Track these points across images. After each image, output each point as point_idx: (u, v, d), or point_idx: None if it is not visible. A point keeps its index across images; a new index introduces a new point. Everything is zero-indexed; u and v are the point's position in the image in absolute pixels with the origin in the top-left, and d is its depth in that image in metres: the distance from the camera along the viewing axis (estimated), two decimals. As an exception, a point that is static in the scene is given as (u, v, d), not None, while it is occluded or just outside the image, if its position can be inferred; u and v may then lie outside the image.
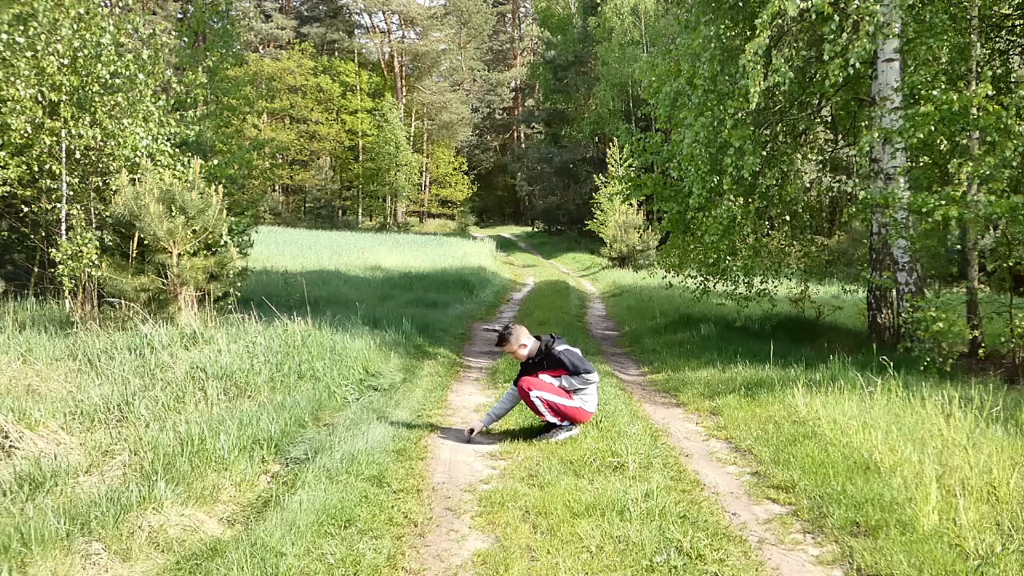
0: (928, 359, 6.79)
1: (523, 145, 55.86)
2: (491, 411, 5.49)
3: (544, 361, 5.28)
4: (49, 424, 4.66)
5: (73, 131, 8.16)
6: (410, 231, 45.93)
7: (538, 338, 5.40)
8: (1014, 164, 6.57)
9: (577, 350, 5.38)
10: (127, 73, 8.32)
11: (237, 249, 9.27)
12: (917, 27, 7.86)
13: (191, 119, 9.38)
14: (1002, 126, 6.54)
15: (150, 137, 8.57)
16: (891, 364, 6.41)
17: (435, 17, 53.69)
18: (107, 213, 8.26)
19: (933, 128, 7.06)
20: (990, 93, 6.68)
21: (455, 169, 53.82)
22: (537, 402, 5.13)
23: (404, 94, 52.86)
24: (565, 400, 5.16)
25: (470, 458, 4.90)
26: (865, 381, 5.91)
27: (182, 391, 5.51)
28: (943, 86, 7.94)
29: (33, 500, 3.69)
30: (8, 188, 8.12)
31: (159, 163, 8.58)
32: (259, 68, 44.88)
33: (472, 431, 5.29)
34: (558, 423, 5.19)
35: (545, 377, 5.23)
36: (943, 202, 6.60)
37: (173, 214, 7.59)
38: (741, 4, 9.12)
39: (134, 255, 7.72)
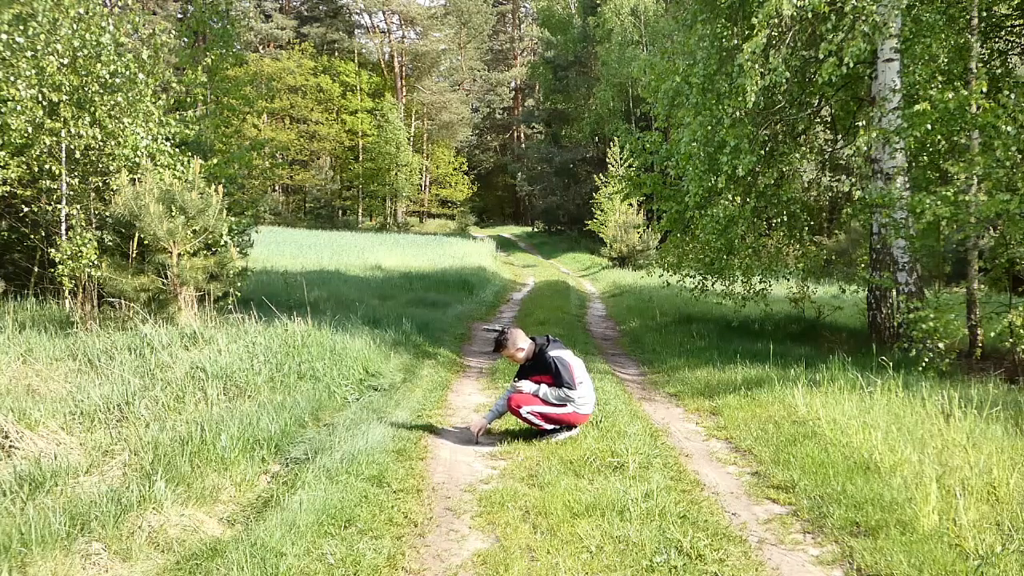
0: (927, 358, 6.79)
1: (523, 145, 55.81)
2: (493, 408, 5.47)
3: (537, 363, 5.25)
4: (49, 424, 4.66)
5: (73, 131, 8.16)
6: (410, 231, 45.91)
7: (534, 340, 5.38)
8: (1007, 164, 6.56)
9: (569, 360, 5.23)
10: (127, 73, 8.32)
11: (237, 249, 9.27)
12: (914, 27, 7.86)
13: (191, 119, 9.37)
14: (997, 125, 6.55)
15: (150, 137, 8.56)
16: (891, 364, 6.42)
17: (435, 17, 53.68)
18: (107, 213, 8.26)
19: (930, 127, 7.07)
20: (984, 90, 6.68)
21: (455, 169, 53.79)
22: (530, 417, 5.12)
23: (404, 94, 52.84)
24: (556, 409, 5.11)
25: (470, 458, 4.90)
26: (865, 381, 5.91)
27: (182, 391, 5.51)
28: (940, 85, 7.94)
29: (33, 500, 3.69)
30: (8, 188, 8.12)
31: (159, 163, 8.57)
32: (259, 68, 44.82)
33: (479, 430, 5.27)
34: (556, 428, 5.19)
35: (531, 385, 5.17)
36: (938, 202, 6.60)
37: (173, 214, 7.59)
38: (738, 3, 9.12)
39: (134, 255, 7.73)
